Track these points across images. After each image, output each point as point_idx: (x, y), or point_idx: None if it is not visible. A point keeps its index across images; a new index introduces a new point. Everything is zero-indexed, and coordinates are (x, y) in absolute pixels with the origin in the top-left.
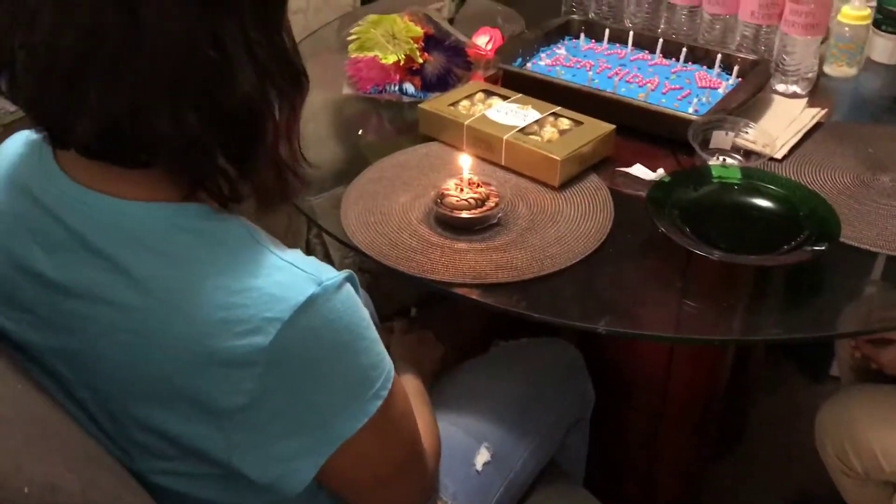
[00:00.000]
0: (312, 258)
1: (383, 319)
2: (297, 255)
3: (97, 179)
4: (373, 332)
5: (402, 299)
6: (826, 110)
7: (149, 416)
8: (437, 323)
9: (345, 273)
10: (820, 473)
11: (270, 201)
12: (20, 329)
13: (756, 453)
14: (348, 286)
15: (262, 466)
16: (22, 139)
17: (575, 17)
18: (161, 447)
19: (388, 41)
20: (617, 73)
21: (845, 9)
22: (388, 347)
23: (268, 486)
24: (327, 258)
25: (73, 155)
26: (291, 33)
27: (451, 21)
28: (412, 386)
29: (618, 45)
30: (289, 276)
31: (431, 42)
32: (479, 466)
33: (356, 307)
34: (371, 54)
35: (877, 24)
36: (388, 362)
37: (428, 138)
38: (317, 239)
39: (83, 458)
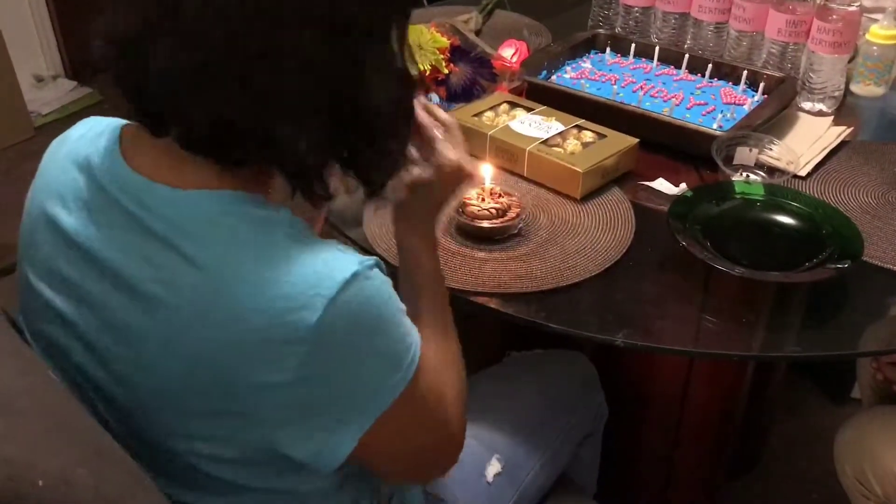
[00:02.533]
0: (347, 246)
1: None
2: (334, 242)
3: (157, 170)
4: (401, 305)
5: None
6: (852, 129)
7: (190, 398)
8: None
9: (373, 258)
10: (838, 497)
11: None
12: (71, 305)
13: (774, 475)
14: (382, 267)
15: (302, 442)
16: (89, 126)
17: (601, 31)
18: (199, 427)
19: (415, 51)
20: (642, 88)
21: (874, 28)
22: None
23: (305, 463)
24: None
25: (138, 145)
26: (407, 39)
27: (477, 33)
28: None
29: (643, 59)
30: (331, 256)
31: (457, 53)
32: (490, 477)
33: (390, 286)
34: None
35: None
36: (416, 331)
37: None
38: None
39: (97, 453)
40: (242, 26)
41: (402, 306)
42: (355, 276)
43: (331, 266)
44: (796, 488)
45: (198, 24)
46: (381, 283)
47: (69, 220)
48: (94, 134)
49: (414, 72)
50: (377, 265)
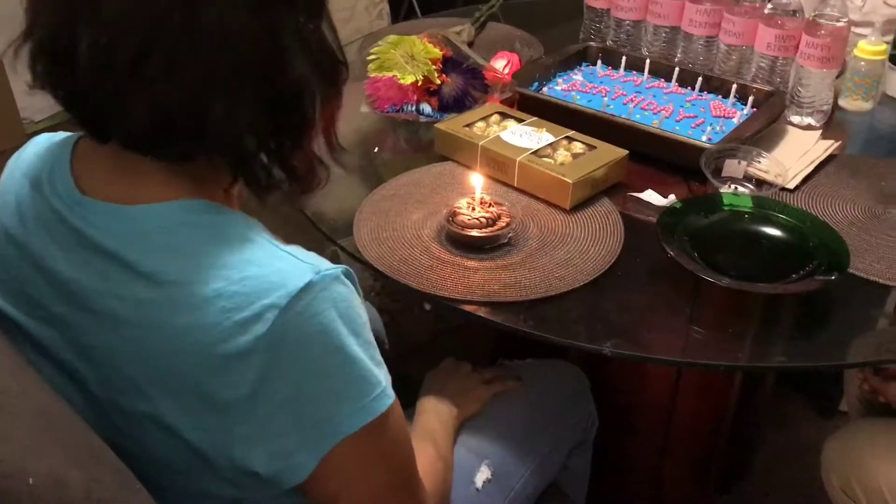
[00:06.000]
0: (312, 252)
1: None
2: (296, 248)
3: (107, 186)
4: (369, 334)
5: (420, 337)
6: (840, 143)
7: (158, 410)
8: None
9: (342, 267)
10: None
11: (300, 190)
12: (36, 325)
13: (762, 488)
14: (346, 280)
15: (264, 459)
16: (43, 142)
17: (593, 44)
18: (169, 445)
19: (407, 62)
20: (632, 100)
21: (862, 43)
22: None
23: (270, 479)
24: None
25: (89, 162)
26: (333, 23)
27: (470, 44)
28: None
29: (634, 72)
30: (287, 264)
31: (449, 64)
32: (479, 484)
33: (353, 302)
34: (390, 74)
35: (893, 59)
36: (387, 374)
37: (443, 158)
38: None
39: (88, 455)
40: (162, 6)
41: (368, 332)
42: (310, 285)
43: (285, 274)
44: (784, 501)
45: (115, 18)
46: (340, 296)
47: (29, 240)
48: (45, 151)
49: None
50: (340, 276)
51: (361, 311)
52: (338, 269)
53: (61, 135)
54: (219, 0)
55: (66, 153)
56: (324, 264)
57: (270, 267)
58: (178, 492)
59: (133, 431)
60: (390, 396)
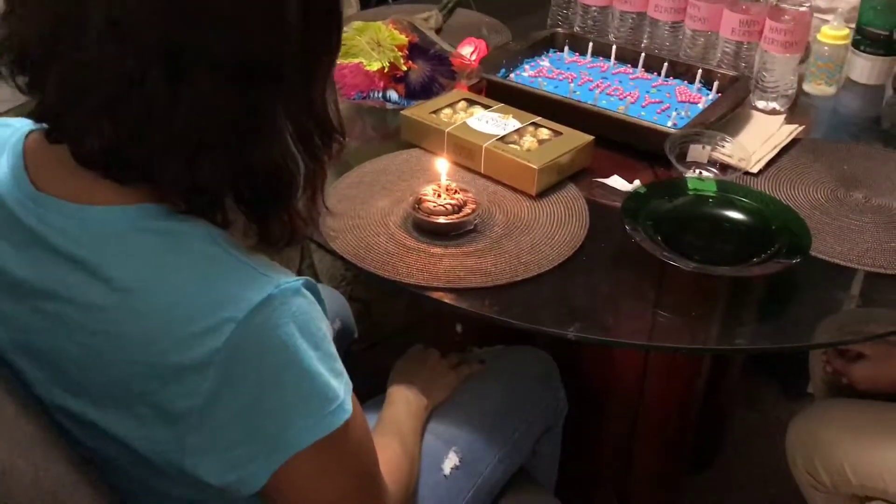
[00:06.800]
0: (274, 263)
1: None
2: (257, 259)
3: (61, 183)
4: (330, 346)
5: (392, 326)
6: (804, 127)
7: (106, 419)
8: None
9: (303, 279)
10: (795, 489)
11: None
12: None
13: (731, 469)
14: (307, 293)
15: (216, 470)
16: None
17: (560, 30)
18: (117, 450)
19: (373, 48)
20: (598, 86)
21: (825, 28)
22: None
23: (223, 488)
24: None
25: (42, 157)
26: (335, 88)
27: (437, 31)
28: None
29: (601, 58)
30: (246, 276)
31: (416, 50)
32: (447, 471)
33: (313, 315)
34: (356, 61)
35: (856, 44)
36: (348, 384)
37: (410, 145)
38: (309, 270)
39: (37, 446)
40: (143, 59)
41: (329, 344)
42: (269, 299)
43: (244, 287)
44: (753, 481)
45: (98, 50)
46: (299, 309)
47: None
48: (0, 142)
49: (335, 120)
50: (300, 288)
51: (322, 323)
52: (298, 281)
53: (15, 125)
54: (201, 62)
55: (18, 147)
56: (283, 277)
57: (229, 278)
58: (137, 488)
59: (80, 434)
60: (347, 410)
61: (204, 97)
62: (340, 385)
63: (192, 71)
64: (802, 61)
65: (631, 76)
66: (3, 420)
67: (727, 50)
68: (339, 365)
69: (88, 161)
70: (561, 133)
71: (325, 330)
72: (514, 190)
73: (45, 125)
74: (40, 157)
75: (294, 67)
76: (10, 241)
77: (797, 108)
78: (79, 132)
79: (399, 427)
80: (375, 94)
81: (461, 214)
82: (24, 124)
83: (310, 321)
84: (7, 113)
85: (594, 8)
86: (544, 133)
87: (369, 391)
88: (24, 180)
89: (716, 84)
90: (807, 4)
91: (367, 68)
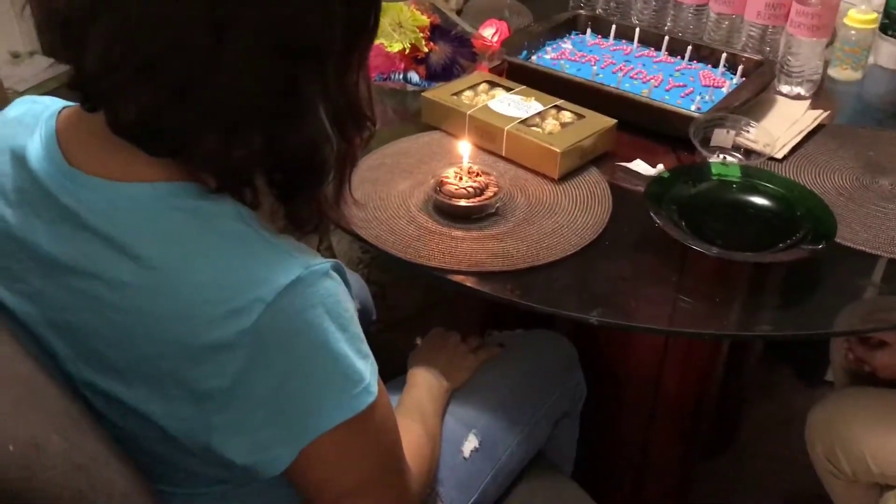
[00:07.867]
0: (302, 244)
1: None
2: (286, 240)
3: (94, 160)
4: (357, 328)
5: (407, 309)
6: (829, 112)
7: (134, 396)
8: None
9: (332, 261)
10: (811, 477)
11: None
12: (15, 298)
13: (748, 456)
14: (335, 275)
15: (242, 450)
16: (25, 107)
17: (582, 12)
18: (144, 427)
19: (395, 29)
20: (621, 69)
21: (852, 12)
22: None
23: (246, 468)
24: None
25: (75, 133)
26: (369, 77)
27: (459, 12)
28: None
29: (624, 41)
30: (275, 258)
31: (437, 32)
32: (466, 453)
33: (341, 297)
34: (377, 42)
35: (883, 28)
36: (373, 365)
37: (430, 127)
38: (327, 252)
39: (69, 422)
40: (187, 33)
41: (356, 325)
42: (298, 280)
43: (273, 268)
44: (770, 469)
45: (141, 21)
46: (327, 292)
47: (9, 212)
48: (31, 118)
49: (367, 106)
50: (331, 271)
51: (350, 304)
52: (327, 263)
53: (49, 101)
54: (247, 34)
55: (51, 123)
56: (312, 259)
57: (258, 259)
58: (161, 467)
59: (107, 411)
60: (373, 393)
61: (245, 68)
62: (367, 367)
63: (236, 40)
64: (828, 45)
65: (654, 60)
66: (37, 395)
67: (752, 33)
68: (366, 347)
69: (124, 130)
70: (583, 116)
71: (353, 312)
72: (536, 173)
73: (78, 102)
74: (73, 133)
75: (335, 47)
76: (42, 217)
77: (822, 92)
78: (116, 98)
79: (421, 409)
80: (396, 76)
81: (483, 197)
82: (55, 101)
83: (338, 303)
84: (26, 91)
85: None
86: (567, 116)
87: (385, 373)
88: (58, 155)
89: (740, 68)
90: None
91: (388, 49)
